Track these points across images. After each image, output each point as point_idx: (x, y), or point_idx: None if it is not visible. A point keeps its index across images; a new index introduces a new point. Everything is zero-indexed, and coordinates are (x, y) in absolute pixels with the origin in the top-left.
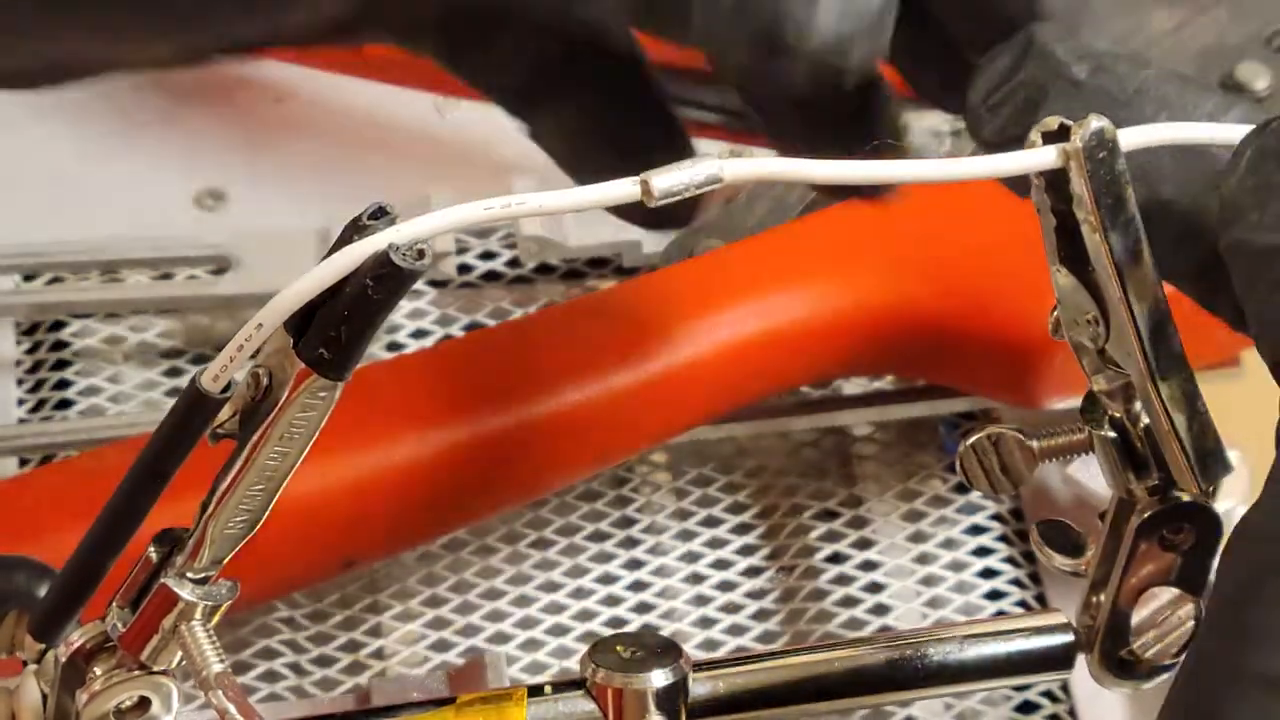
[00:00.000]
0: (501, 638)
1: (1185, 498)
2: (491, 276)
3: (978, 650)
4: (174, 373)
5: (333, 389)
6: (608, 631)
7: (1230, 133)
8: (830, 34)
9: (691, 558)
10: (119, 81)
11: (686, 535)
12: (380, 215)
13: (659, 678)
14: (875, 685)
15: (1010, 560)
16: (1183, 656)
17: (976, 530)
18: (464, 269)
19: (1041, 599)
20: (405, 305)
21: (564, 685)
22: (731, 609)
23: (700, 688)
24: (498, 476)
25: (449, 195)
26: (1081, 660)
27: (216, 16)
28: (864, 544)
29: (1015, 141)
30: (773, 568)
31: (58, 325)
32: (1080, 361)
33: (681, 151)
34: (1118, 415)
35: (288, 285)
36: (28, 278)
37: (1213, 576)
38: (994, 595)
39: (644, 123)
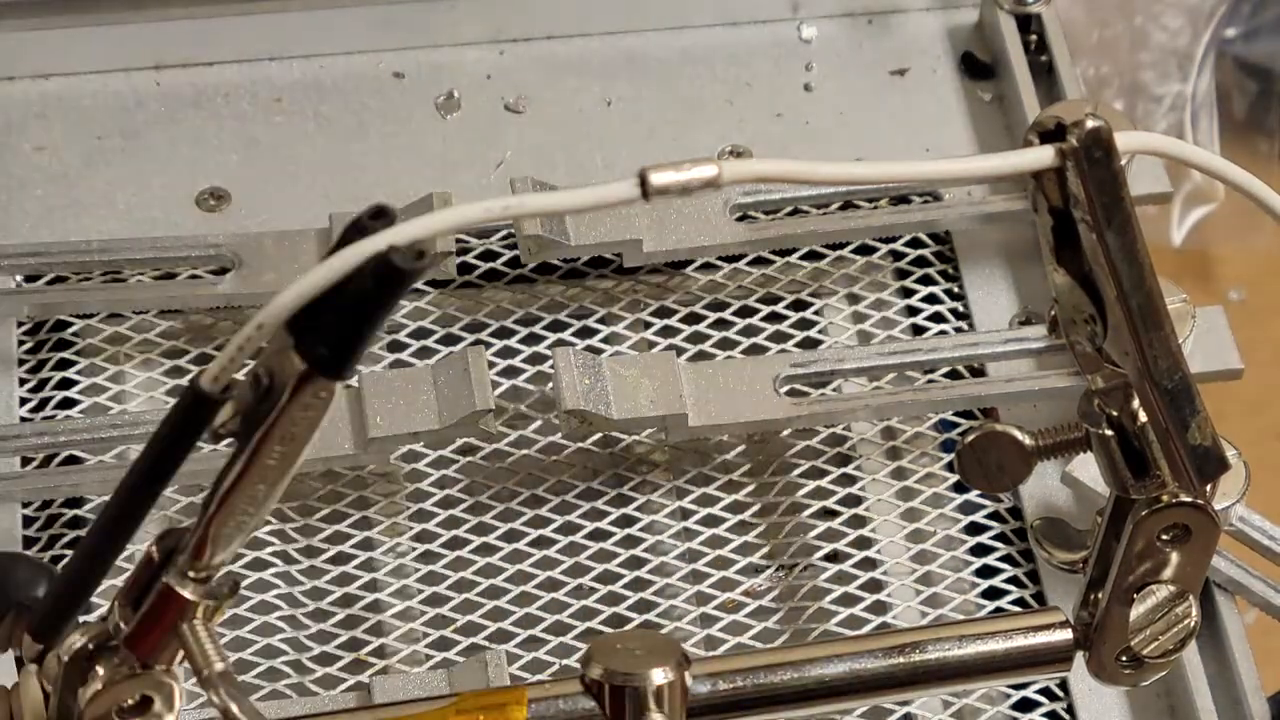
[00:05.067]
0: (501, 637)
1: (1183, 496)
2: (492, 276)
3: (976, 648)
4: (176, 372)
5: (333, 389)
6: (608, 631)
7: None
8: None
9: (691, 557)
10: (120, 82)
11: (686, 535)
12: (380, 216)
13: (659, 676)
14: (874, 684)
15: (1008, 559)
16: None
17: (975, 529)
18: (464, 269)
19: (1040, 597)
20: (405, 305)
21: (564, 684)
22: (731, 608)
23: (700, 687)
24: None
25: (449, 195)
26: (1080, 657)
27: None
28: (863, 543)
29: None
30: (772, 566)
31: (60, 325)
32: (1078, 361)
33: None
34: (1115, 414)
35: (288, 286)
36: (30, 278)
37: (1210, 575)
38: (992, 594)
39: None
